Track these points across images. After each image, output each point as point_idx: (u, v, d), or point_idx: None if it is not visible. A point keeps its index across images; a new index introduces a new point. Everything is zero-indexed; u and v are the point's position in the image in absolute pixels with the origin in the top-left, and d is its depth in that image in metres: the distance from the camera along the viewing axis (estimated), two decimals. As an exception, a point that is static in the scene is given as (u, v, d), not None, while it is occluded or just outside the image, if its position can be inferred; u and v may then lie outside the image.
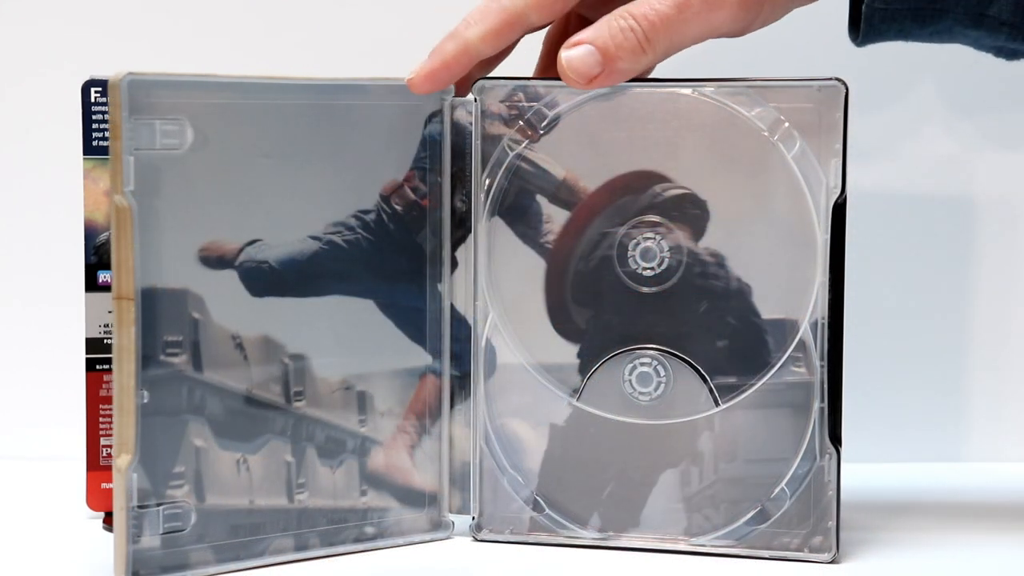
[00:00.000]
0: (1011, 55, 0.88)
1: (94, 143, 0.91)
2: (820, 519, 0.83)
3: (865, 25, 0.85)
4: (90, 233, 0.91)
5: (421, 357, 0.85)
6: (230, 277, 0.79)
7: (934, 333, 1.06)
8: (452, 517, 0.86)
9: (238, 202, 0.79)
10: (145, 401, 0.76)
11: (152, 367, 0.77)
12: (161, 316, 0.77)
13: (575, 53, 0.81)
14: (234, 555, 0.79)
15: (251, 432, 0.80)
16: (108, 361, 0.91)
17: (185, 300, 0.78)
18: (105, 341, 0.91)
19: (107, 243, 0.91)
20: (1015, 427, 1.06)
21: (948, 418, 1.06)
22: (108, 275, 0.91)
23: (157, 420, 0.77)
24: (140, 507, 0.77)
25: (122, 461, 0.76)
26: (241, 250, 0.79)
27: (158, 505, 0.77)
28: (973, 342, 1.06)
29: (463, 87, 0.85)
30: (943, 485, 1.01)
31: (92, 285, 0.91)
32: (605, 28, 0.81)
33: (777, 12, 0.85)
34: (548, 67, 0.88)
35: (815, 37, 0.98)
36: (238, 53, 1.06)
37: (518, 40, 0.84)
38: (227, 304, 0.79)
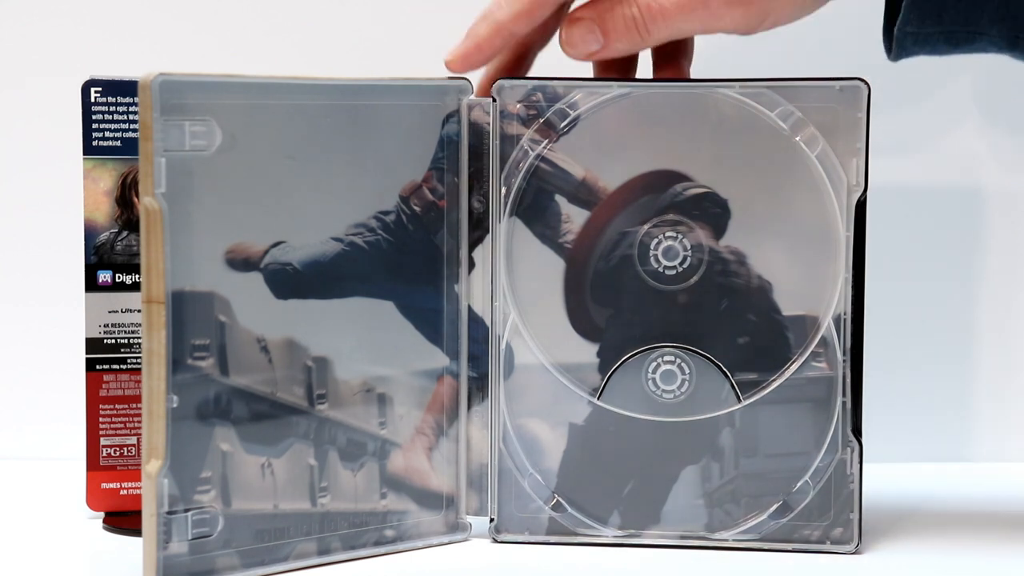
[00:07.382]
0: None
1: (94, 143, 0.89)
2: (841, 511, 0.83)
3: (897, 47, 0.85)
4: (90, 233, 0.90)
5: (439, 359, 0.84)
6: (255, 279, 0.78)
7: (939, 332, 1.06)
8: (469, 519, 0.85)
9: (263, 203, 0.78)
10: (175, 406, 0.75)
11: (180, 371, 0.75)
12: (189, 319, 0.76)
13: (576, 29, 0.83)
14: (259, 560, 0.78)
15: (275, 436, 0.79)
16: (108, 361, 0.90)
17: (212, 303, 0.76)
18: (105, 341, 0.90)
19: (107, 243, 0.90)
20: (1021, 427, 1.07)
21: (953, 418, 1.06)
22: (108, 275, 0.90)
23: (184, 425, 0.76)
24: (169, 513, 0.75)
25: (152, 467, 0.75)
26: (266, 252, 0.78)
27: (186, 511, 0.76)
28: (978, 342, 1.06)
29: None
30: (949, 485, 1.01)
31: (92, 285, 0.90)
32: (608, 8, 0.83)
33: (785, 16, 0.85)
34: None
35: (829, 35, 0.98)
36: (238, 53, 1.05)
37: (556, 18, 0.85)
38: (252, 307, 0.78)
